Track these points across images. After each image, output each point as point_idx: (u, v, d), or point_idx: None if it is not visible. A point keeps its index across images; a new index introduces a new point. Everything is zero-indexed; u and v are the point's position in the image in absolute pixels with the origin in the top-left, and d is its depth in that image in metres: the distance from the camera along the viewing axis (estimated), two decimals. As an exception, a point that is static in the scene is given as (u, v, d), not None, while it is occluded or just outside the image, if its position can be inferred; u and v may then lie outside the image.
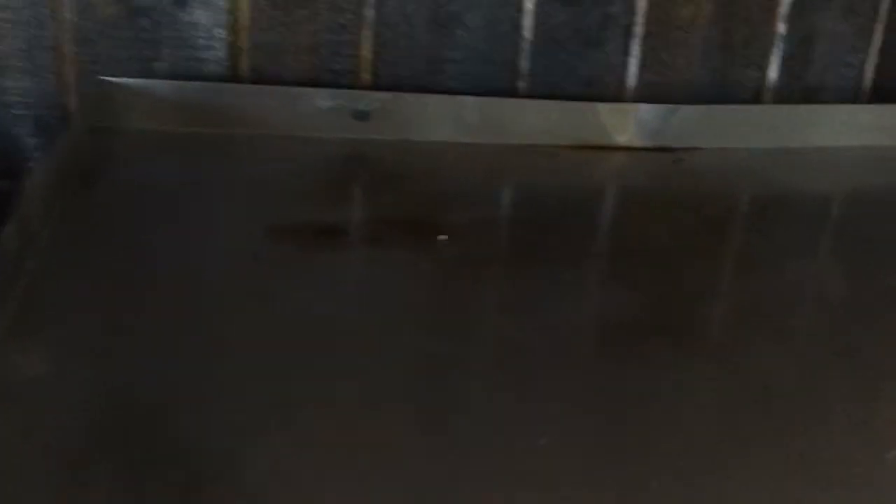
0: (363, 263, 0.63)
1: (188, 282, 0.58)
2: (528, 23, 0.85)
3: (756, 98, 0.90)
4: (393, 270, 0.62)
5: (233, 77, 0.83)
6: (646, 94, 0.88)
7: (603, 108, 0.85)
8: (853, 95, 0.91)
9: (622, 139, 0.85)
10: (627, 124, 0.85)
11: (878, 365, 0.56)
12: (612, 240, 0.70)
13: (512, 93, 0.87)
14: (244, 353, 0.52)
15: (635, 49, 0.87)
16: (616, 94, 0.88)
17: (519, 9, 0.84)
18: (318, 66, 0.84)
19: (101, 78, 0.80)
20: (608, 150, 0.85)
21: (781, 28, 0.88)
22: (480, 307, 0.59)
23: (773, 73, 0.89)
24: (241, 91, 0.81)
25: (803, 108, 0.89)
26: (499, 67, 0.86)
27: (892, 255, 0.70)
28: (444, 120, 0.83)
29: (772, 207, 0.78)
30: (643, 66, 0.87)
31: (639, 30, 0.86)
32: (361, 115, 0.82)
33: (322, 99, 0.81)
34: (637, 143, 0.85)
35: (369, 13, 0.83)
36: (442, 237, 0.65)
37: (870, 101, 0.91)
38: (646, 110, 0.86)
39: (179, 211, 0.67)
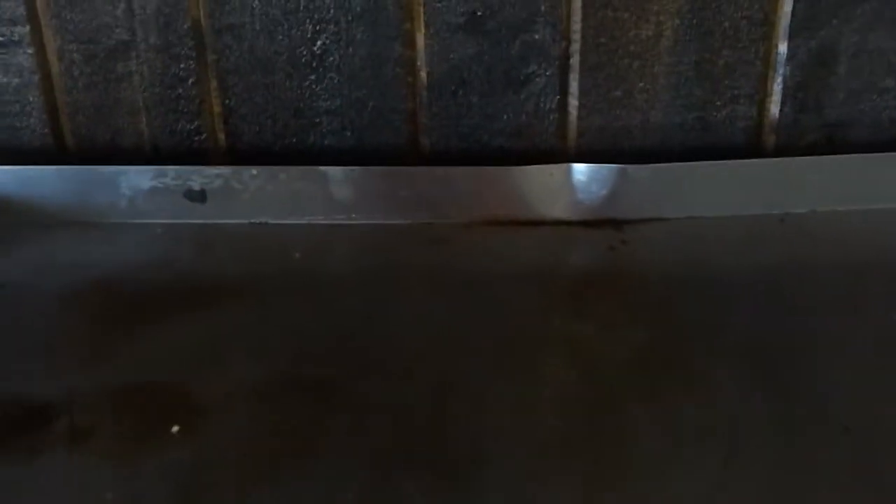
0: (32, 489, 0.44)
1: None
2: (424, 59, 0.64)
3: (753, 144, 0.65)
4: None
5: (56, 148, 0.66)
6: (595, 146, 0.65)
7: (522, 172, 0.63)
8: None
9: (552, 212, 0.63)
10: (559, 192, 0.63)
11: None
12: (473, 422, 0.47)
13: (412, 150, 0.66)
14: None
15: (574, 86, 0.64)
16: (554, 149, 0.65)
17: (408, 43, 0.63)
18: (156, 128, 0.66)
19: None
20: (530, 227, 0.63)
21: (782, 47, 0.63)
22: None
23: (774, 108, 0.64)
24: (45, 174, 0.64)
25: (814, 160, 0.63)
26: (390, 119, 0.65)
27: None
28: (305, 196, 0.63)
29: (747, 325, 0.55)
30: (587, 109, 0.64)
31: (577, 60, 0.64)
32: (196, 196, 0.63)
33: (143, 178, 0.63)
34: (573, 216, 0.63)
35: (211, 58, 0.64)
36: (175, 429, 0.46)
37: (922, 141, 0.65)
38: (583, 172, 0.63)
39: None
